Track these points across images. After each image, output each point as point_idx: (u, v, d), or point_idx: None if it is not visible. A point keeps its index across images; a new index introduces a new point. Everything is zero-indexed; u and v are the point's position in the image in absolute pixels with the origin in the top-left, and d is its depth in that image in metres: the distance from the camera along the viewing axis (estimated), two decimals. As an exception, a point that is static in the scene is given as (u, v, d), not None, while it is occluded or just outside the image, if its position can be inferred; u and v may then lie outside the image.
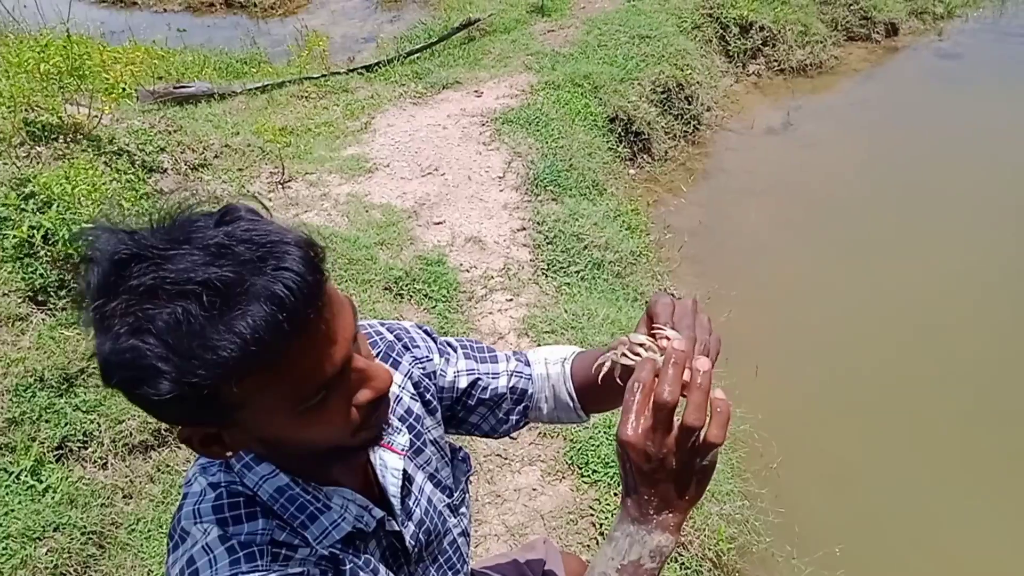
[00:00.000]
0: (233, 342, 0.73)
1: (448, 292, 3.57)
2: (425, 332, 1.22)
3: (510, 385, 1.25)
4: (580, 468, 2.98)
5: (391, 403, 1.09)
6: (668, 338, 0.88)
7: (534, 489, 2.96)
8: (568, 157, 4.56)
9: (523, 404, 1.29)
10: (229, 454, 0.91)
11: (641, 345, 0.90)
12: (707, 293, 4.11)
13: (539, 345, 3.41)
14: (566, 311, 3.56)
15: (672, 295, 0.98)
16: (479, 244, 3.95)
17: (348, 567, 1.00)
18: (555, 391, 1.27)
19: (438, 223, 4.07)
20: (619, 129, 5.14)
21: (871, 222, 4.58)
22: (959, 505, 3.09)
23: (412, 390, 1.15)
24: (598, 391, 1.21)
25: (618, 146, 5.04)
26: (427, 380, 1.17)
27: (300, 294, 0.76)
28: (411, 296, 3.53)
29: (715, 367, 0.87)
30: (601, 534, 2.82)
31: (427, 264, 3.67)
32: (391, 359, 1.15)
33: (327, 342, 0.82)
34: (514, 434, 1.49)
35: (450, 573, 1.23)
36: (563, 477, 2.98)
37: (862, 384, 3.57)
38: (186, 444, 0.88)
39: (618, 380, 0.91)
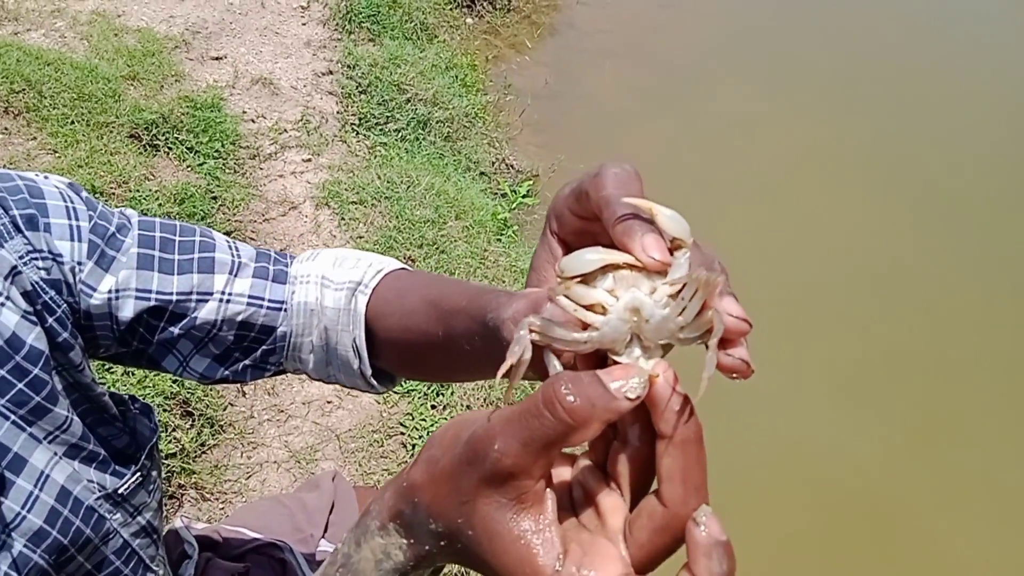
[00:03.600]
0: None
1: (223, 146, 2.71)
2: (81, 200, 0.73)
3: (235, 316, 0.77)
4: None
5: None
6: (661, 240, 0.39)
7: (329, 402, 2.32)
8: (392, -10, 3.70)
9: (262, 348, 0.80)
10: None
11: (590, 277, 0.39)
12: (551, 165, 3.51)
13: (343, 219, 2.68)
14: (379, 177, 2.83)
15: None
16: (271, 88, 3.08)
17: None
18: (329, 338, 0.79)
19: (216, 58, 3.14)
20: (456, -34, 4.31)
21: (732, 93, 4.13)
22: (817, 413, 2.78)
23: (25, 305, 0.67)
24: (419, 356, 0.75)
25: (454, -13, 4.22)
26: (53, 292, 0.69)
27: None
28: (169, 148, 2.64)
29: None
30: (412, 457, 2.23)
31: (195, 108, 2.77)
32: None
33: None
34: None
35: None
36: (366, 387, 2.34)
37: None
38: None
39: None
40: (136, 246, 0.74)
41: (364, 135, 3.04)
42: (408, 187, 2.78)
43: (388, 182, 2.79)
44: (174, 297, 0.75)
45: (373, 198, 2.72)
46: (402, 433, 2.29)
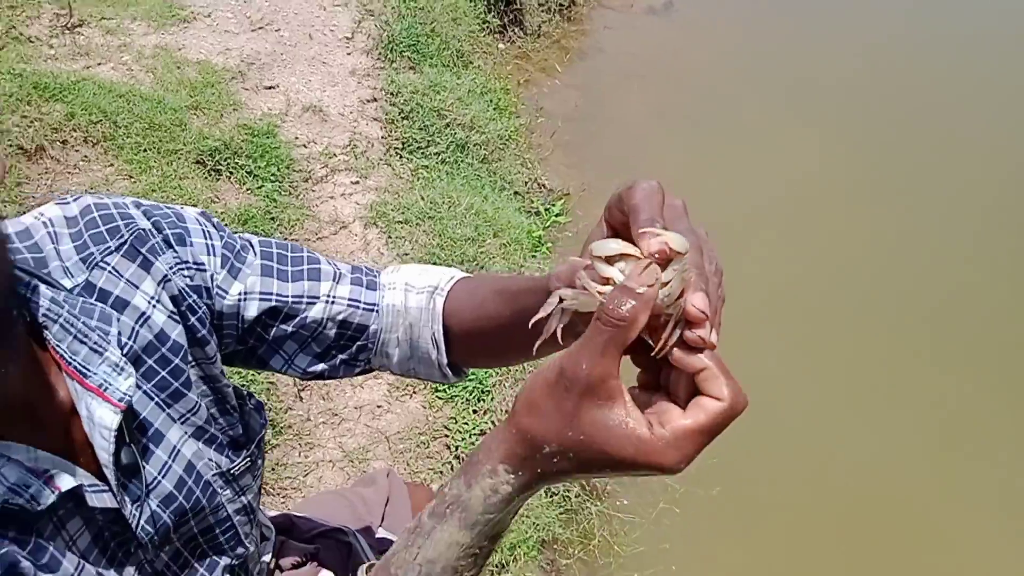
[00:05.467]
0: None
1: (279, 170, 2.93)
2: (212, 225, 0.89)
3: (337, 316, 0.93)
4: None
5: (134, 323, 0.80)
6: (665, 243, 0.55)
7: (379, 406, 2.51)
8: (430, 20, 3.92)
9: (357, 344, 0.96)
10: None
11: (611, 259, 0.57)
12: (582, 185, 3.69)
13: (390, 237, 2.88)
14: (423, 198, 3.03)
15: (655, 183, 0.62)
16: (320, 115, 3.30)
17: None
18: (412, 333, 0.95)
19: (270, 87, 3.37)
20: (489, -5, 4.51)
21: (754, 111, 4.28)
22: (837, 416, 2.92)
23: (171, 307, 0.83)
24: (490, 339, 0.92)
25: (487, 15, 4.42)
26: (195, 296, 0.85)
27: None
28: (231, 173, 2.87)
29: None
30: (457, 457, 2.42)
31: (253, 135, 2.99)
32: (140, 257, 0.81)
33: None
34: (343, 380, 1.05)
35: (219, 560, 0.95)
36: (413, 392, 2.53)
37: (741, 289, 3.30)
38: None
39: (558, 337, 0.62)
40: (259, 259, 0.90)
41: (407, 158, 3.25)
42: (449, 207, 2.98)
43: (431, 203, 2.99)
44: (290, 299, 0.90)
45: (417, 218, 2.93)
46: (446, 435, 2.47)
